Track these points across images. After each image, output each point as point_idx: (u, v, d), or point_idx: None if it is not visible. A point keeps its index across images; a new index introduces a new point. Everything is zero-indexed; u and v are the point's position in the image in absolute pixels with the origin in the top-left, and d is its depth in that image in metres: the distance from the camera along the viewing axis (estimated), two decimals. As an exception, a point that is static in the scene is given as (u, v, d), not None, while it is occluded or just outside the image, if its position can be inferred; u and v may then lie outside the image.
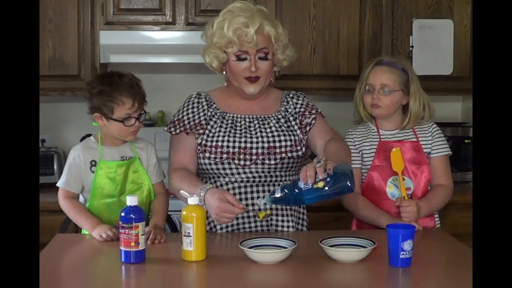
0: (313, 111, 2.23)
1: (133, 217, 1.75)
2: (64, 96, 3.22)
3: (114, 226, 2.05)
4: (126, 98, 2.05)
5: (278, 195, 1.86)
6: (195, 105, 2.21)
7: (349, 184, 1.80)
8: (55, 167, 3.23)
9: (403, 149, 2.23)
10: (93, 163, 2.12)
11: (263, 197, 1.95)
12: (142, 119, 2.13)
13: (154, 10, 3.16)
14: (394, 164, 2.17)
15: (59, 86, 3.15)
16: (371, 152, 2.27)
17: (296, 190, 1.83)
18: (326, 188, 1.80)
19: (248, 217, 2.14)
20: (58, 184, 2.14)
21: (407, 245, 1.70)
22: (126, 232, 1.74)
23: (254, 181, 2.13)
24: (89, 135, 3.23)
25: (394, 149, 2.19)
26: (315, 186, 1.80)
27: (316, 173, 1.79)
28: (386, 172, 2.22)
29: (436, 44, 3.22)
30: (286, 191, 1.85)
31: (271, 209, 2.11)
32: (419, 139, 2.27)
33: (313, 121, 2.21)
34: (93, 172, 2.11)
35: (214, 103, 2.22)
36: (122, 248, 1.76)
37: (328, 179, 1.80)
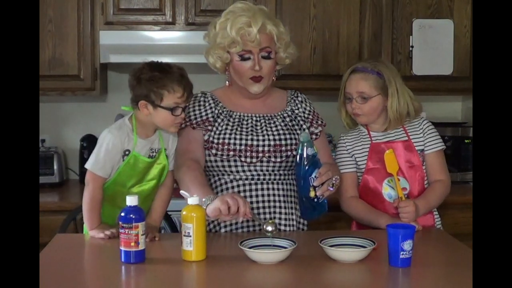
0: (319, 122, 2.26)
1: (133, 217, 1.75)
2: (64, 96, 3.23)
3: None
4: (177, 86, 2.00)
5: (309, 153, 2.05)
6: (201, 103, 2.21)
7: (313, 218, 2.18)
8: (55, 167, 3.23)
9: (395, 149, 2.22)
10: (126, 152, 2.05)
11: (307, 134, 2.12)
12: (186, 112, 2.07)
13: (154, 10, 3.16)
14: (388, 166, 2.17)
15: (59, 86, 3.15)
16: (363, 155, 2.27)
17: (308, 170, 2.03)
18: (307, 201, 2.07)
19: (252, 219, 2.13)
20: (91, 169, 2.03)
21: (407, 245, 1.70)
22: (126, 232, 1.74)
23: (259, 179, 2.14)
24: (90, 135, 3.21)
25: (387, 151, 2.19)
26: (311, 189, 2.04)
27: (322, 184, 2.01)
28: (380, 174, 2.22)
29: (436, 44, 3.23)
30: (310, 159, 2.04)
31: (273, 212, 2.13)
32: (410, 137, 2.27)
33: (319, 133, 2.24)
34: (123, 160, 2.05)
35: (220, 102, 2.22)
36: (122, 248, 1.76)
37: (315, 200, 2.06)
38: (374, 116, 2.26)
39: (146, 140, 2.09)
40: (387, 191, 2.22)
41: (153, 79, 1.99)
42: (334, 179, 2.02)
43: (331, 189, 2.02)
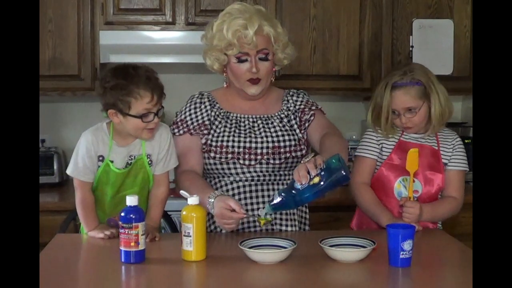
0: (313, 107, 2.24)
1: (133, 217, 1.75)
2: (64, 96, 3.22)
3: (109, 219, 2.07)
4: (144, 91, 1.91)
5: (277, 200, 1.87)
6: (198, 105, 2.21)
7: (344, 173, 1.82)
8: (55, 167, 3.23)
9: (421, 153, 2.21)
10: (100, 158, 2.03)
11: (263, 207, 1.95)
12: (161, 115, 1.99)
13: (154, 10, 3.16)
14: (408, 164, 2.15)
15: (59, 86, 3.15)
16: (390, 147, 2.26)
17: (294, 192, 1.85)
18: (322, 182, 1.82)
19: (254, 221, 2.14)
20: (72, 174, 2.03)
21: (407, 245, 1.70)
22: (126, 232, 1.74)
23: (258, 180, 2.14)
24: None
25: (412, 149, 2.17)
26: (311, 183, 1.82)
27: (308, 171, 1.81)
28: (398, 171, 2.21)
29: (436, 44, 3.23)
30: (284, 195, 1.86)
31: (271, 214, 2.11)
32: (440, 147, 2.25)
33: (312, 117, 2.21)
34: (99, 166, 2.04)
35: (217, 103, 2.22)
36: (122, 248, 1.76)
37: (323, 173, 1.82)
38: (424, 123, 2.24)
39: (124, 148, 2.04)
40: (399, 188, 2.21)
41: (117, 87, 1.91)
42: (304, 159, 1.86)
43: (306, 159, 1.85)
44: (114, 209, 2.08)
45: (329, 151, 1.96)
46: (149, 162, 2.08)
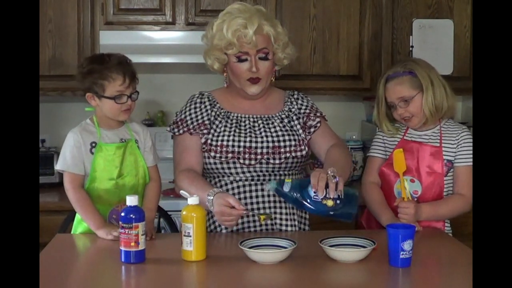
0: (318, 114, 2.25)
1: (133, 217, 1.75)
2: (64, 96, 3.22)
3: (112, 208, 2.08)
4: (116, 74, 2.05)
5: (285, 188, 1.88)
6: (198, 105, 2.21)
7: (353, 213, 1.87)
8: (55, 167, 3.23)
9: (421, 152, 2.21)
10: (93, 144, 2.09)
11: (271, 181, 1.98)
12: (135, 98, 2.10)
13: (154, 10, 3.16)
14: (395, 165, 2.16)
15: (59, 86, 3.15)
16: (392, 147, 2.27)
17: (304, 195, 1.87)
18: (334, 210, 1.85)
19: (254, 220, 2.14)
20: (61, 168, 2.08)
21: (407, 245, 1.70)
22: (126, 232, 1.75)
23: (258, 180, 2.15)
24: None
25: (397, 150, 2.18)
26: (324, 202, 1.85)
27: (327, 187, 1.85)
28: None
29: (436, 44, 3.22)
30: (293, 188, 1.88)
31: (273, 213, 2.12)
32: (443, 144, 2.24)
33: (318, 124, 2.22)
34: (92, 154, 2.08)
35: (217, 103, 2.23)
36: (122, 248, 1.76)
37: (338, 202, 1.85)
38: (423, 115, 2.22)
39: (113, 132, 2.13)
40: (398, 188, 2.21)
41: (92, 71, 2.06)
42: (330, 172, 1.88)
43: (336, 180, 1.87)
44: (118, 198, 2.09)
45: (339, 164, 2.00)
46: (138, 147, 2.17)
